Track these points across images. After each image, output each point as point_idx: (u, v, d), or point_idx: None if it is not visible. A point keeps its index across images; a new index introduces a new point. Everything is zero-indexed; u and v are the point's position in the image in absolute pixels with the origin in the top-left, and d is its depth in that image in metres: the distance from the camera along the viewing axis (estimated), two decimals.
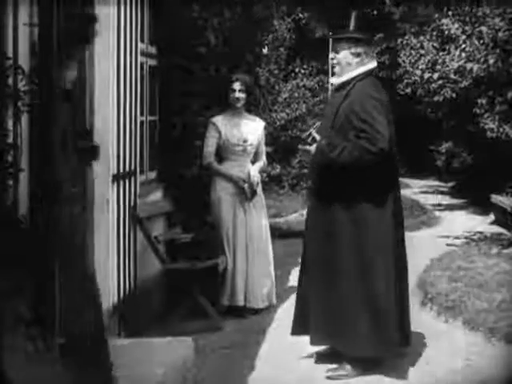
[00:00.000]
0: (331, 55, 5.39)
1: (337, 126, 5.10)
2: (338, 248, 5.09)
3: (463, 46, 12.78)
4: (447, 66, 13.24)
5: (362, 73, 5.16)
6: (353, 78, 5.16)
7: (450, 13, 13.70)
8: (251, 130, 6.96)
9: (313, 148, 5.05)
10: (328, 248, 5.14)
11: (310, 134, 5.08)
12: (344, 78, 5.18)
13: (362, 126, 4.94)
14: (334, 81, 5.33)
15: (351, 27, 5.75)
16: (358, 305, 5.05)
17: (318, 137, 5.07)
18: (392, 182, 5.19)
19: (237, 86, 6.89)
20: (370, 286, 5.04)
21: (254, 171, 6.84)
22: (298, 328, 5.44)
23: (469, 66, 12.60)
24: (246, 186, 6.74)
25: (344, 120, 5.06)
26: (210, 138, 6.88)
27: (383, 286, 5.03)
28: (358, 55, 5.18)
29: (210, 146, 6.87)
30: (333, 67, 5.35)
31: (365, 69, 5.18)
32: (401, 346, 5.25)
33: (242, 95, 6.90)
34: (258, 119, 7.18)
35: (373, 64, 5.25)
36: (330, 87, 16.85)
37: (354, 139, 4.96)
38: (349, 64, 5.17)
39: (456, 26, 13.00)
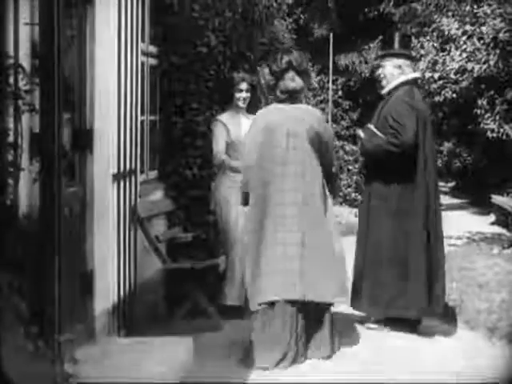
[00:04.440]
0: (379, 71, 6.44)
1: (379, 127, 6.20)
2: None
3: (464, 46, 12.78)
4: (447, 66, 13.24)
5: (402, 81, 6.22)
6: (395, 87, 6.24)
7: (449, 13, 13.70)
8: None
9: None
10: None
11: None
12: (388, 88, 6.28)
13: (392, 124, 6.04)
14: (382, 91, 6.38)
15: (395, 46, 6.70)
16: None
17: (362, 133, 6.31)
18: (422, 169, 6.17)
19: (244, 86, 6.94)
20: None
21: None
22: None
23: (469, 65, 12.60)
24: None
25: (383, 121, 6.17)
26: (219, 136, 6.86)
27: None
28: (398, 67, 6.26)
29: (221, 144, 6.85)
30: (380, 80, 6.41)
31: (405, 78, 6.23)
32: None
33: (248, 95, 6.97)
34: None
35: (412, 74, 6.32)
36: (330, 87, 16.87)
37: (387, 136, 6.09)
38: (392, 75, 6.27)
39: (456, 25, 13.00)
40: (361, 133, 6.39)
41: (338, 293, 5.49)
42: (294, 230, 5.42)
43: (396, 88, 6.24)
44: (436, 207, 6.24)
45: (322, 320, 5.49)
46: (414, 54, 15.44)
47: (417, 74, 6.45)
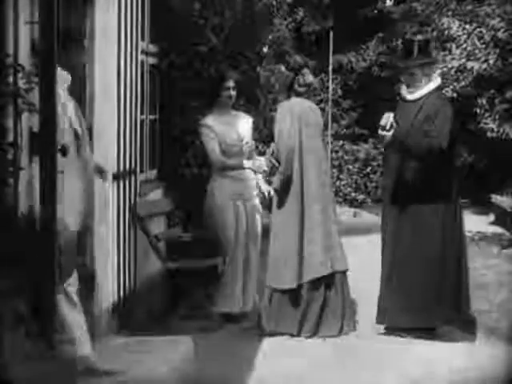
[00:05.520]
0: (402, 78, 6.54)
1: (416, 127, 6.23)
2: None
3: (464, 45, 12.77)
4: (447, 65, 13.23)
5: (432, 89, 6.35)
6: (425, 94, 6.32)
7: (449, 13, 13.70)
8: (244, 128, 6.80)
9: (389, 134, 6.14)
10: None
11: (390, 123, 6.15)
12: (418, 95, 6.36)
13: (431, 128, 6.13)
14: (410, 97, 6.40)
15: (415, 53, 6.56)
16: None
17: (395, 125, 6.17)
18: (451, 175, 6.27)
19: (231, 83, 6.75)
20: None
21: (260, 161, 6.64)
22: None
23: (469, 64, 12.60)
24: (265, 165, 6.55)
25: (423, 124, 6.22)
26: (210, 141, 6.59)
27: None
28: (426, 75, 6.35)
29: (214, 148, 6.59)
30: (408, 85, 6.46)
31: (433, 85, 6.36)
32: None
33: (235, 93, 6.78)
34: (243, 115, 6.95)
35: (438, 81, 6.48)
36: (330, 86, 16.87)
37: (426, 138, 6.15)
38: (422, 82, 6.34)
39: (457, 24, 12.99)
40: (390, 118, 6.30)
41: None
42: (317, 210, 6.15)
43: (428, 95, 6.33)
44: (459, 213, 6.53)
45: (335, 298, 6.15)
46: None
47: (440, 80, 6.60)
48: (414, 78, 6.35)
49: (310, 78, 6.37)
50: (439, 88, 6.55)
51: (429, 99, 6.32)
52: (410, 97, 6.42)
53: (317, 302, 6.09)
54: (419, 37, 15.26)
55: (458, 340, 6.06)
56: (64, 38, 4.39)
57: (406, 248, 6.15)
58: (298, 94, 6.30)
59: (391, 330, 6.17)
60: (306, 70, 6.35)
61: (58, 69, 4.08)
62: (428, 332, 6.09)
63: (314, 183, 6.19)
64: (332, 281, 6.16)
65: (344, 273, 6.23)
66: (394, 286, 6.14)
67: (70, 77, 4.43)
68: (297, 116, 6.19)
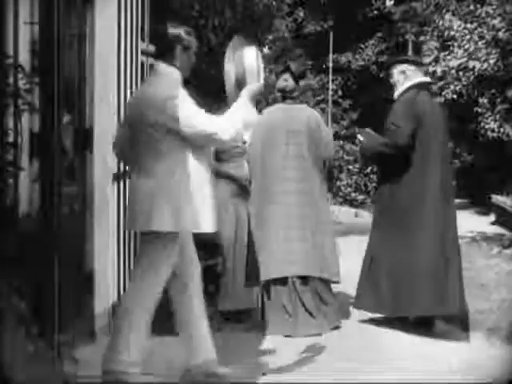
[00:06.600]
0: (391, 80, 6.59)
1: (384, 128, 6.40)
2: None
3: (466, 45, 12.77)
4: (448, 65, 13.24)
5: (408, 87, 6.36)
6: (402, 93, 6.38)
7: (449, 14, 13.70)
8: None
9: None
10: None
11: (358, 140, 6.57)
12: (396, 95, 6.46)
13: (388, 127, 6.26)
14: (394, 97, 6.52)
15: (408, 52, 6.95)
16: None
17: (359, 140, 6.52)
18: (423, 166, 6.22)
19: None
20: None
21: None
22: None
23: (471, 63, 12.60)
24: (247, 183, 6.60)
25: (386, 125, 6.37)
26: None
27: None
28: (403, 73, 6.41)
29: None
30: (393, 86, 6.56)
31: (410, 83, 6.36)
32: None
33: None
34: None
35: (418, 79, 6.40)
36: (330, 87, 16.88)
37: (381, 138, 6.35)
38: (398, 81, 6.45)
39: (458, 23, 13.00)
40: (359, 136, 6.58)
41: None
42: (295, 215, 6.20)
43: (403, 93, 6.40)
44: (447, 208, 6.27)
45: (322, 298, 6.20)
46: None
47: (423, 79, 6.53)
48: (392, 77, 6.49)
49: (282, 83, 6.42)
50: (418, 87, 6.42)
51: (400, 97, 6.40)
52: (394, 96, 6.55)
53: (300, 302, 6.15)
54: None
55: (447, 336, 6.12)
56: (64, 38, 4.39)
57: (385, 240, 6.26)
58: (282, 100, 6.46)
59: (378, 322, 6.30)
60: (285, 75, 6.45)
61: None
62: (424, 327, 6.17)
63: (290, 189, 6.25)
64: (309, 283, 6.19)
65: (324, 281, 6.25)
66: (371, 274, 6.29)
67: None
68: (265, 125, 6.25)
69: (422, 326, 6.20)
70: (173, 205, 4.23)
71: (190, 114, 4.34)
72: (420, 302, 6.07)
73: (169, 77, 4.44)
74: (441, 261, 6.12)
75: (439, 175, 6.22)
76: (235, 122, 4.41)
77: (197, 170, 4.34)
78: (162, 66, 4.45)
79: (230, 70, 4.89)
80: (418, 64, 6.63)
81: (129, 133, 4.41)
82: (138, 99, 4.42)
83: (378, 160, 6.54)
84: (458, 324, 6.29)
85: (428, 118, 6.23)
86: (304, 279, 6.16)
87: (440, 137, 6.31)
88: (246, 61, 4.79)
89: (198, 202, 4.29)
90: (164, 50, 4.45)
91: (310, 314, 6.12)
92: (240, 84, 4.73)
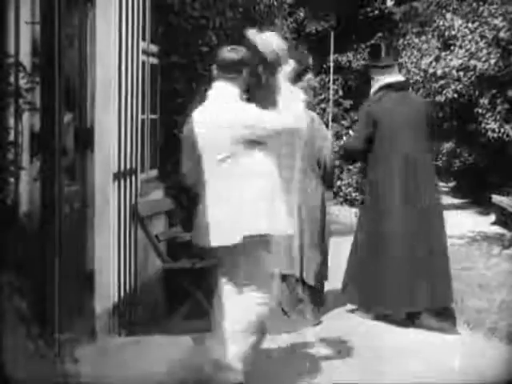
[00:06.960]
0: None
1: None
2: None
3: (468, 45, 12.77)
4: (449, 64, 13.23)
5: (374, 90, 6.57)
6: (372, 95, 6.58)
7: (450, 13, 13.70)
8: None
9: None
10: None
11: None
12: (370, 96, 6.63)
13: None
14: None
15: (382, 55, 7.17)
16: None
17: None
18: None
19: None
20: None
21: None
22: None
23: (472, 63, 12.60)
24: None
25: None
26: None
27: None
28: (372, 79, 6.60)
29: None
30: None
31: (378, 85, 6.54)
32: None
33: None
34: None
35: (383, 81, 6.51)
36: (331, 86, 16.85)
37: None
38: (372, 85, 6.61)
39: (460, 22, 13.00)
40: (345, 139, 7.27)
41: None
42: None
43: (372, 95, 6.63)
44: (429, 205, 6.34)
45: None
46: (415, 52, 15.51)
47: (387, 80, 6.55)
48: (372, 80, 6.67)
49: None
50: (387, 87, 6.51)
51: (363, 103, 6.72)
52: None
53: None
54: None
55: (439, 332, 6.16)
56: (65, 37, 4.39)
57: (371, 235, 6.40)
58: None
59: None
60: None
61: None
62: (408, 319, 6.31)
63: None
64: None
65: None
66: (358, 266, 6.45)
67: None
68: None
69: (410, 321, 6.32)
70: None
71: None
72: (410, 296, 6.19)
73: None
74: (421, 258, 6.24)
75: (404, 172, 6.30)
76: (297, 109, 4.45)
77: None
78: None
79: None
80: (386, 66, 6.66)
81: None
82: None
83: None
84: (446, 319, 6.36)
85: (386, 120, 6.35)
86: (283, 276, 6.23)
87: (405, 135, 6.36)
88: (273, 43, 4.73)
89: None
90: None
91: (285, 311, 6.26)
92: (270, 68, 4.64)
